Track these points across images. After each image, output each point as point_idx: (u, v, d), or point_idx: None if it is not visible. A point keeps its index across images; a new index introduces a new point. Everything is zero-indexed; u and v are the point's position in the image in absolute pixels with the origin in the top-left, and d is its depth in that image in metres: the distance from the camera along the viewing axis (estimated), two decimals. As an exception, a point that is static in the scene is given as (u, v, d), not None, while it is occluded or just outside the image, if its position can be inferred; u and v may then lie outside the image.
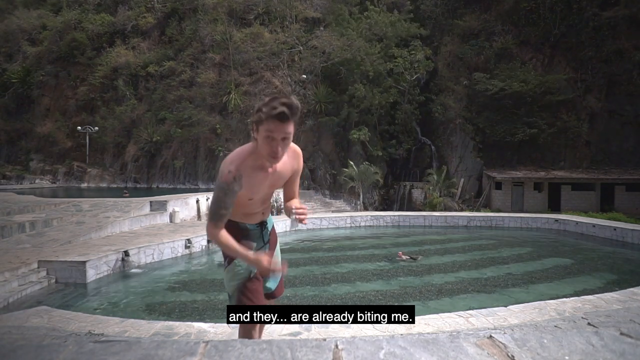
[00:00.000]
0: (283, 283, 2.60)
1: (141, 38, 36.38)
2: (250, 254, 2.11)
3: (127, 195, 21.64)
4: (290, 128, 1.99)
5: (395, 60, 27.19)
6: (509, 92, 24.05)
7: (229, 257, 2.30)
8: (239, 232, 2.28)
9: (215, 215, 2.07)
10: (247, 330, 2.32)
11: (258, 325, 2.40)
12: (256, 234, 2.37)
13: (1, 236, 10.54)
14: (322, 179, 27.28)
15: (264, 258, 2.09)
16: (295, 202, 2.33)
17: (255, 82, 30.28)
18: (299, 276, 9.13)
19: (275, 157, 2.03)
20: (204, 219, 17.44)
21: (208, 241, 12.22)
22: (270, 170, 2.15)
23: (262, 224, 2.41)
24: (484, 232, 16.49)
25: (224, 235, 2.10)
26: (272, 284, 2.47)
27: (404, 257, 10.84)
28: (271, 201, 2.49)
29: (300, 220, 2.16)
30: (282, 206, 2.29)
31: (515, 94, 24.05)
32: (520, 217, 18.16)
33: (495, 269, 10.15)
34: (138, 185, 31.84)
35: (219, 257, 11.56)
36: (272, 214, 18.10)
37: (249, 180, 2.09)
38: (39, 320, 4.94)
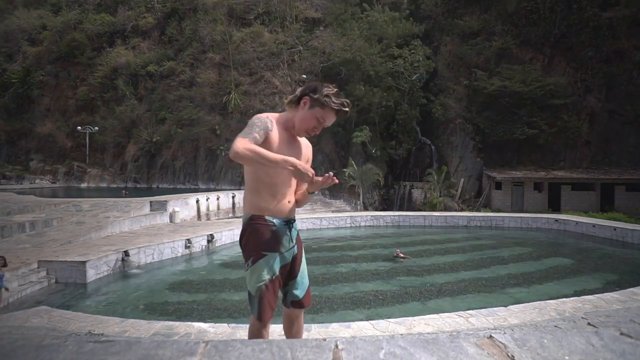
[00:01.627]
0: (310, 293, 2.53)
1: (141, 38, 36.38)
2: (280, 156, 2.08)
3: (126, 195, 21.63)
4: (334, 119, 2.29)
5: (395, 60, 27.19)
6: (509, 92, 24.05)
7: (254, 257, 2.25)
8: (265, 227, 2.26)
9: (247, 134, 2.10)
10: (258, 331, 2.29)
11: (269, 326, 2.37)
12: (285, 232, 2.31)
13: (1, 236, 10.54)
14: (322, 179, 27.28)
15: (294, 160, 2.09)
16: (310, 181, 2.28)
17: (255, 82, 30.28)
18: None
19: (310, 134, 2.29)
20: (204, 219, 17.45)
21: (208, 241, 12.22)
22: (296, 141, 2.33)
23: (289, 223, 2.35)
24: (484, 232, 16.48)
25: (254, 146, 2.05)
26: (300, 292, 2.42)
27: (401, 255, 10.86)
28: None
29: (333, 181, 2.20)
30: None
31: (515, 94, 24.05)
32: (520, 217, 18.16)
33: (495, 269, 10.14)
34: (138, 185, 31.84)
35: (218, 257, 11.57)
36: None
37: (278, 136, 2.21)
38: (39, 320, 4.94)
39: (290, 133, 2.28)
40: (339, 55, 27.29)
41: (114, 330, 4.63)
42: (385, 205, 26.60)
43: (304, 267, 2.48)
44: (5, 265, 6.89)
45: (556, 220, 17.11)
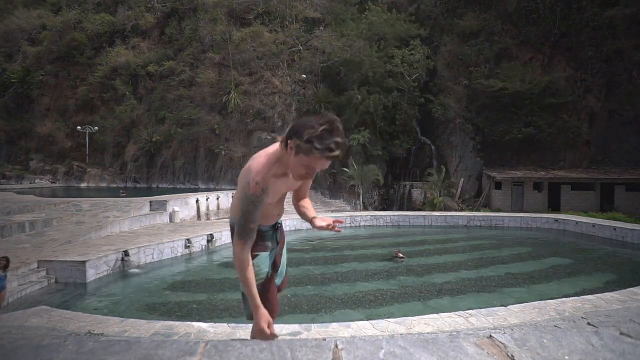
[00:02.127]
0: (287, 276, 2.68)
1: (141, 38, 36.37)
2: (260, 306, 2.07)
3: (124, 195, 21.64)
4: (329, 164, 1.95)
5: (394, 61, 27.19)
6: (509, 92, 24.05)
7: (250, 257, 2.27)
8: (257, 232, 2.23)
9: (244, 232, 2.00)
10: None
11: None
12: (270, 235, 2.35)
13: (1, 236, 10.54)
14: (322, 179, 27.26)
15: (265, 319, 2.06)
16: (307, 203, 2.39)
17: (255, 82, 30.27)
18: (299, 276, 9.13)
19: (304, 180, 2.06)
20: (204, 219, 17.45)
21: (208, 241, 12.22)
22: (290, 176, 2.08)
23: (275, 226, 2.39)
24: (484, 232, 16.49)
25: (250, 265, 2.05)
26: (279, 280, 2.53)
27: (400, 255, 10.86)
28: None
29: (338, 230, 2.19)
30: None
31: (515, 94, 24.05)
32: (520, 217, 18.15)
33: (495, 269, 10.14)
34: (138, 185, 31.83)
35: (218, 257, 11.56)
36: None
37: (273, 187, 2.03)
38: (39, 320, 4.94)
39: (286, 170, 2.03)
40: (339, 55, 27.29)
41: (114, 330, 4.63)
42: (385, 205, 26.60)
43: (284, 258, 2.57)
44: (8, 266, 6.89)
45: (556, 220, 17.11)
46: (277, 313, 2.33)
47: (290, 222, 15.56)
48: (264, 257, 2.29)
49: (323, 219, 2.20)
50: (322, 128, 1.83)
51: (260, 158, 2.04)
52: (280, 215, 2.42)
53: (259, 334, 2.07)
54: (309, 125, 1.86)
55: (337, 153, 1.84)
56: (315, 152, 1.82)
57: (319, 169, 1.94)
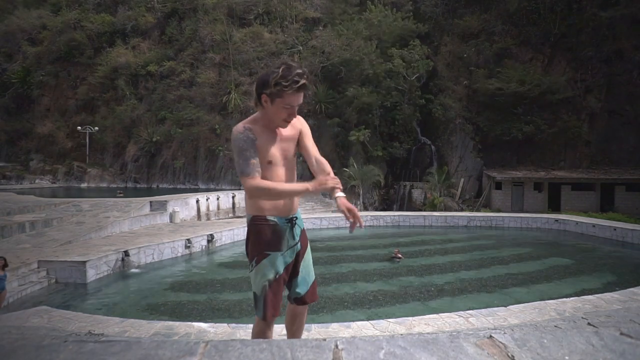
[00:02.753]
0: (316, 289, 2.50)
1: (141, 38, 36.36)
2: (297, 185, 2.14)
3: (121, 195, 21.66)
4: (303, 97, 2.14)
5: (394, 60, 27.18)
6: (509, 92, 24.05)
7: (257, 257, 2.24)
8: (268, 227, 2.24)
9: (246, 166, 2.09)
10: (263, 332, 2.30)
11: (273, 327, 2.38)
12: (286, 230, 2.28)
13: (1, 236, 10.54)
14: (322, 179, 27.28)
15: (309, 185, 2.08)
16: (326, 167, 2.26)
17: (255, 82, 30.26)
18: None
19: (289, 121, 2.20)
20: (204, 219, 17.45)
21: (208, 241, 12.22)
22: (279, 133, 2.23)
23: (292, 221, 2.31)
24: (484, 232, 16.49)
25: (264, 182, 2.10)
26: (302, 289, 2.40)
27: (399, 255, 10.87)
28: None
29: (360, 225, 2.13)
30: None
31: (515, 94, 24.04)
32: (520, 217, 18.16)
33: (495, 269, 10.15)
34: (138, 185, 31.83)
35: (218, 257, 11.57)
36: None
37: (261, 139, 2.16)
38: (39, 320, 4.94)
39: (271, 129, 2.21)
40: (338, 54, 27.28)
41: (114, 330, 4.62)
42: (385, 205, 26.59)
43: (307, 263, 2.45)
44: (6, 265, 6.89)
45: (556, 220, 17.11)
46: (272, 315, 2.25)
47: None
48: (275, 257, 2.23)
49: (349, 204, 2.09)
50: (281, 69, 2.08)
51: (242, 121, 2.25)
52: (294, 204, 2.33)
53: (322, 188, 2.09)
54: (268, 73, 2.13)
55: (303, 81, 2.07)
56: (285, 89, 2.06)
57: (296, 105, 2.14)
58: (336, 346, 1.07)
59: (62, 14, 38.34)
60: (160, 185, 30.99)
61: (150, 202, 15.53)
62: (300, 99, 2.14)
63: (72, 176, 33.75)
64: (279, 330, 4.74)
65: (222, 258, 11.53)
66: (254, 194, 2.13)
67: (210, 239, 12.29)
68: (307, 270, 2.44)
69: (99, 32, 36.73)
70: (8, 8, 41.29)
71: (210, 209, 18.31)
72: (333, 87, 28.48)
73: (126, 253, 9.67)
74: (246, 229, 2.36)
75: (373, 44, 27.35)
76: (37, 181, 33.22)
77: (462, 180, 25.54)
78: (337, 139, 27.71)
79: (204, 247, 12.08)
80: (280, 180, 2.22)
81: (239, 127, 2.18)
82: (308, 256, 2.46)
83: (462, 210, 23.35)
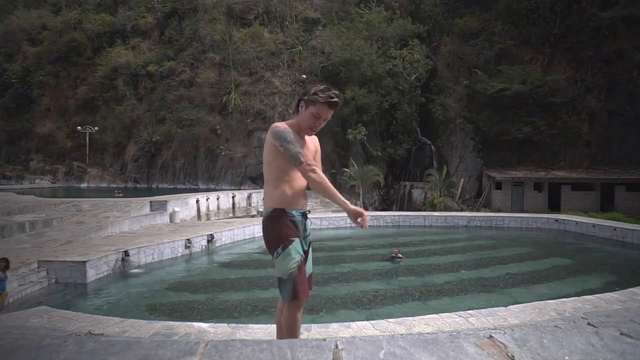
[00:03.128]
0: (312, 280, 2.78)
1: (141, 38, 36.37)
2: (341, 197, 2.49)
3: (120, 195, 21.66)
4: (331, 114, 2.55)
5: (394, 60, 27.19)
6: (509, 92, 24.04)
7: (284, 244, 2.50)
8: (290, 220, 2.55)
9: (299, 159, 2.44)
10: (293, 314, 2.53)
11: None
12: (302, 222, 2.61)
13: (1, 236, 10.54)
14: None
15: (356, 209, 2.48)
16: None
17: (255, 82, 30.27)
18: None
19: (314, 130, 2.57)
20: (204, 219, 17.46)
21: (208, 241, 12.23)
22: (302, 140, 2.59)
23: (305, 215, 2.65)
24: (484, 232, 16.49)
25: (326, 179, 2.48)
26: (308, 270, 2.71)
27: (400, 255, 10.87)
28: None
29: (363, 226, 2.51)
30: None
31: (515, 94, 24.04)
32: (520, 217, 18.15)
33: (495, 269, 10.14)
34: (138, 185, 31.83)
35: (218, 257, 11.57)
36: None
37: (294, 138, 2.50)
38: (39, 320, 4.94)
39: (300, 136, 2.58)
40: (338, 54, 27.28)
41: (114, 330, 4.62)
42: (385, 205, 26.59)
43: (310, 255, 2.75)
44: (7, 267, 6.88)
45: (556, 220, 17.10)
46: (304, 295, 2.52)
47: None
48: (298, 243, 2.55)
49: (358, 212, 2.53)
50: (323, 86, 2.52)
51: (279, 122, 2.60)
52: (306, 200, 2.67)
53: (357, 215, 2.50)
54: (314, 85, 2.53)
55: (336, 99, 2.49)
56: (320, 99, 2.46)
57: (325, 117, 2.53)
58: (336, 346, 1.07)
59: (62, 14, 38.36)
60: (160, 185, 30.99)
61: (150, 202, 15.52)
62: (329, 114, 2.52)
63: (72, 176, 33.75)
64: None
65: (222, 258, 11.53)
66: (316, 185, 2.47)
67: (210, 239, 12.29)
68: (310, 262, 2.75)
69: (99, 32, 36.75)
70: (8, 8, 41.31)
71: (210, 209, 18.32)
72: (333, 87, 28.47)
73: (126, 253, 9.67)
74: (263, 221, 2.64)
75: (373, 44, 27.36)
76: (37, 181, 33.23)
77: (462, 180, 25.53)
78: (337, 139, 27.72)
79: (204, 247, 12.08)
80: (299, 179, 2.57)
81: (280, 124, 2.52)
82: (310, 249, 2.77)
83: (462, 210, 23.35)
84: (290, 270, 2.47)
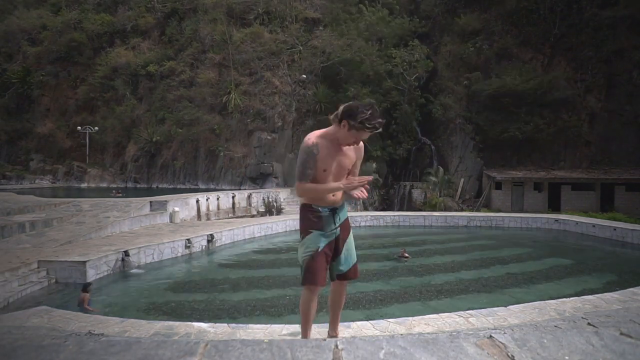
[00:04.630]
0: (357, 268, 3.09)
1: (141, 38, 36.36)
2: (332, 184, 2.73)
3: (120, 195, 21.65)
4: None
5: (394, 61, 27.19)
6: (508, 92, 24.05)
7: (303, 234, 2.84)
8: (313, 213, 2.84)
9: (302, 175, 2.70)
10: (306, 300, 2.85)
11: (316, 298, 2.91)
12: (329, 217, 2.86)
13: (1, 236, 10.54)
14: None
15: (340, 185, 2.72)
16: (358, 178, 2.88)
17: (255, 82, 30.27)
18: (299, 276, 9.12)
19: (353, 145, 2.77)
20: (204, 219, 17.46)
21: (208, 241, 12.23)
22: (341, 151, 2.78)
23: (334, 210, 2.89)
24: (484, 232, 16.49)
25: (308, 184, 2.72)
26: (344, 267, 2.98)
27: (406, 255, 10.88)
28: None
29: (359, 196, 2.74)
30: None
31: (515, 94, 24.04)
32: (520, 217, 18.15)
33: (495, 269, 10.14)
34: (138, 185, 31.81)
35: (218, 257, 11.58)
36: (272, 213, 17.80)
37: (323, 151, 2.70)
38: (39, 320, 4.94)
39: (336, 144, 2.75)
40: (338, 55, 27.28)
41: (114, 330, 4.62)
42: (385, 205, 26.59)
43: (349, 247, 3.01)
44: None
45: (556, 220, 17.10)
46: (315, 281, 2.79)
47: (290, 222, 15.57)
48: (316, 235, 2.82)
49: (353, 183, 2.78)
50: (369, 112, 2.60)
51: (317, 130, 2.84)
52: (337, 197, 2.87)
53: (351, 187, 2.72)
54: (360, 110, 2.60)
55: (379, 128, 2.67)
56: (366, 129, 2.62)
57: (363, 138, 2.72)
58: (336, 346, 1.07)
59: (62, 14, 38.34)
60: (160, 185, 30.97)
61: (150, 202, 15.52)
62: (367, 135, 2.69)
63: (72, 176, 33.74)
64: (278, 330, 4.74)
65: (222, 258, 11.53)
66: (300, 194, 2.81)
67: (210, 239, 12.29)
68: (350, 253, 3.01)
69: (99, 32, 36.73)
70: (8, 8, 41.29)
71: (210, 209, 18.32)
72: (333, 87, 28.48)
73: (126, 253, 9.67)
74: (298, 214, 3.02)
75: (374, 44, 27.36)
76: (37, 181, 33.22)
77: (462, 180, 25.53)
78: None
79: (204, 247, 12.07)
80: (324, 181, 2.78)
81: (309, 140, 2.72)
82: (350, 240, 3.04)
83: (462, 210, 23.35)
84: (303, 258, 2.82)
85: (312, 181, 2.72)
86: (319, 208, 2.83)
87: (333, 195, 2.84)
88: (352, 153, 2.85)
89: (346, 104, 2.77)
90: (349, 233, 3.03)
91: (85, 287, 7.27)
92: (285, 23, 31.88)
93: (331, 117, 2.76)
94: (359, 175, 2.96)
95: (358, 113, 2.58)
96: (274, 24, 32.05)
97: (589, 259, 11.58)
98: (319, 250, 2.79)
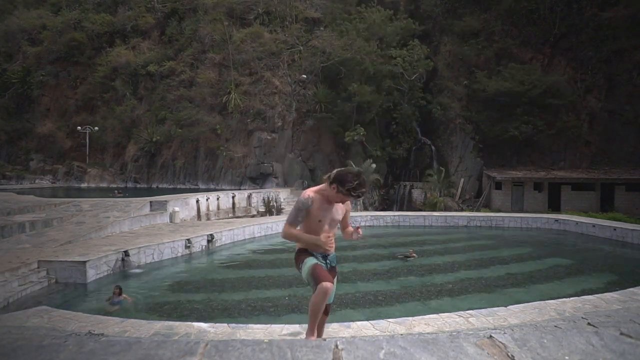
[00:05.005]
0: (329, 307, 3.52)
1: (141, 38, 36.35)
2: (313, 237, 3.20)
3: (121, 195, 21.64)
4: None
5: (394, 61, 27.18)
6: (508, 92, 24.04)
7: (303, 260, 3.27)
8: (308, 254, 3.29)
9: (294, 219, 3.20)
10: (313, 312, 3.15)
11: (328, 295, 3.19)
12: (320, 261, 3.28)
13: (1, 236, 10.54)
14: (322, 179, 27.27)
15: (318, 239, 3.19)
16: (350, 228, 3.54)
17: (255, 82, 30.27)
18: (299, 276, 9.12)
19: (339, 203, 3.31)
20: (204, 219, 17.46)
21: (208, 241, 12.23)
22: (332, 205, 3.27)
23: (325, 257, 3.35)
24: (484, 232, 16.49)
25: (294, 230, 3.21)
26: (330, 299, 3.34)
27: (414, 255, 10.91)
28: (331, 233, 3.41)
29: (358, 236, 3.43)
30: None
31: (515, 94, 24.04)
32: (520, 217, 18.15)
33: (495, 269, 10.14)
34: (138, 185, 31.81)
35: (218, 257, 11.58)
36: (272, 213, 17.80)
37: (317, 205, 3.20)
38: (39, 320, 4.94)
39: (327, 200, 3.22)
40: (339, 54, 27.28)
41: (114, 330, 4.62)
42: (385, 205, 26.59)
43: (334, 288, 3.35)
44: (121, 293, 7.31)
45: (556, 220, 17.10)
46: (326, 278, 3.08)
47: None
48: (311, 258, 3.26)
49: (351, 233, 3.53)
50: (356, 182, 3.08)
51: (316, 186, 3.35)
52: (329, 250, 3.35)
53: (328, 243, 3.23)
54: (348, 180, 3.08)
55: (363, 196, 3.44)
56: (351, 196, 3.13)
57: (348, 201, 3.28)
58: (336, 346, 1.07)
59: (62, 14, 38.34)
60: (160, 185, 30.97)
61: (150, 202, 15.52)
62: (351, 200, 3.26)
63: (72, 176, 33.73)
64: (278, 330, 4.75)
65: (222, 258, 11.53)
66: (285, 235, 3.25)
67: (210, 239, 12.29)
68: (333, 292, 3.35)
69: (99, 32, 36.71)
70: (8, 8, 41.28)
71: (210, 209, 18.32)
72: (333, 86, 28.48)
73: (126, 253, 9.67)
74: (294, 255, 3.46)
75: (374, 44, 27.35)
76: (37, 181, 33.22)
77: (462, 180, 25.53)
78: (337, 139, 27.71)
79: (204, 247, 12.08)
80: (323, 232, 3.25)
81: (307, 193, 3.23)
82: (335, 283, 3.40)
83: (462, 210, 23.35)
84: (307, 272, 3.19)
85: (310, 229, 3.22)
86: (313, 253, 3.29)
87: (324, 246, 3.28)
88: (341, 208, 3.36)
89: (339, 169, 3.24)
90: (335, 276, 3.45)
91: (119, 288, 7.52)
92: (285, 23, 31.88)
93: (324, 177, 3.24)
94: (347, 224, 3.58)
95: (347, 182, 3.06)
96: (274, 24, 32.05)
97: (589, 259, 11.58)
98: (318, 263, 3.22)
